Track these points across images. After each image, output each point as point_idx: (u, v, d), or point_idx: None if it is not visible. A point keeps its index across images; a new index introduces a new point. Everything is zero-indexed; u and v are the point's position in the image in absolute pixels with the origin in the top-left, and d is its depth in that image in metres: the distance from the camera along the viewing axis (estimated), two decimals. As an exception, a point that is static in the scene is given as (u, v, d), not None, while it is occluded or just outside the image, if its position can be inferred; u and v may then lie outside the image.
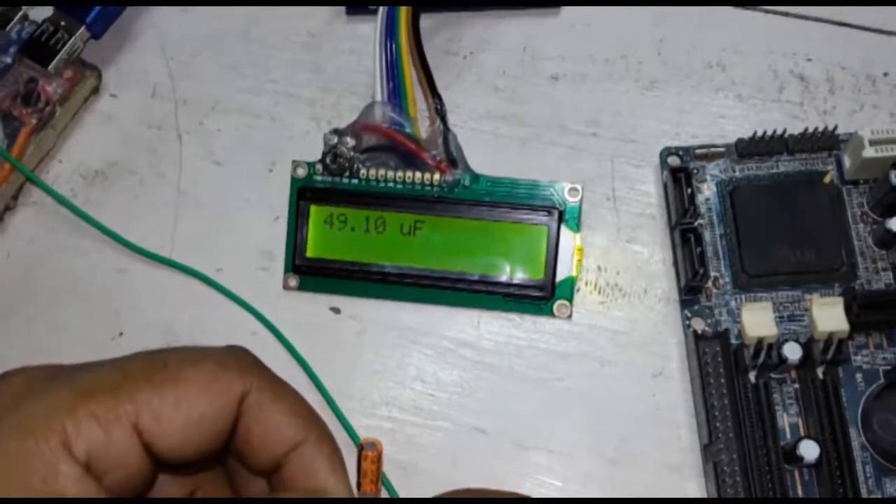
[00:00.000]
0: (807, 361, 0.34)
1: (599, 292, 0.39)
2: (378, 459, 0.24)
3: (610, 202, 0.40)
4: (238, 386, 0.23)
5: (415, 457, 0.37)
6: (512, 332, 0.38)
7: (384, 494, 0.36)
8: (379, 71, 0.39)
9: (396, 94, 0.39)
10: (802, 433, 0.34)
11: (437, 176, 0.38)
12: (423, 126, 0.39)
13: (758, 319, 0.34)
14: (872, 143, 0.36)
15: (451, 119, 0.40)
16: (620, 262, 0.39)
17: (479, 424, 0.37)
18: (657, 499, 0.35)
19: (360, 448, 0.24)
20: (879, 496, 0.34)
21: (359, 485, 0.24)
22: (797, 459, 0.33)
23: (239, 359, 0.24)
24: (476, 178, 0.39)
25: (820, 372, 0.35)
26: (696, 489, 0.35)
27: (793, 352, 0.34)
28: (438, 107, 0.39)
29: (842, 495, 0.33)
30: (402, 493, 0.36)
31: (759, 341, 0.34)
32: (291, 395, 0.24)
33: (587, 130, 0.41)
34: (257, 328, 0.39)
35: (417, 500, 0.35)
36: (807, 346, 0.34)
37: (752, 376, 0.35)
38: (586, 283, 0.39)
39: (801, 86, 0.41)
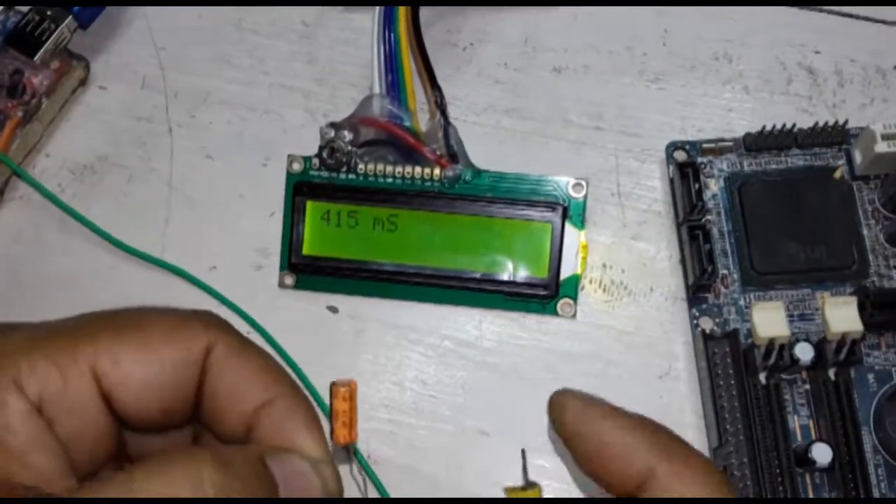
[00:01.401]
0: (819, 362, 0.33)
1: (604, 290, 0.38)
2: (351, 397, 0.22)
3: (615, 198, 0.39)
4: (202, 338, 0.22)
5: (416, 460, 0.36)
6: (515, 332, 0.37)
7: (372, 493, 0.35)
8: (377, 63, 0.38)
9: (395, 86, 0.38)
10: (814, 435, 0.34)
11: (437, 171, 0.37)
12: (422, 120, 0.38)
13: (769, 319, 0.33)
14: (885, 137, 0.35)
15: (452, 112, 0.39)
16: (626, 260, 0.38)
17: (481, 426, 0.36)
18: (660, 499, 0.34)
19: (332, 386, 0.23)
20: (892, 499, 0.33)
21: (332, 434, 0.23)
22: (809, 463, 0.32)
23: (205, 317, 0.23)
24: (477, 173, 0.38)
25: (832, 373, 0.34)
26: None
27: (805, 352, 0.33)
28: (438, 100, 0.37)
29: (854, 499, 0.32)
30: (404, 497, 0.35)
31: (771, 342, 0.33)
32: (258, 353, 0.23)
33: (590, 124, 0.40)
34: (250, 328, 0.38)
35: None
36: (819, 347, 0.33)
37: (762, 377, 0.34)
38: (591, 282, 0.38)
39: (810, 79, 0.40)
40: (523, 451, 0.25)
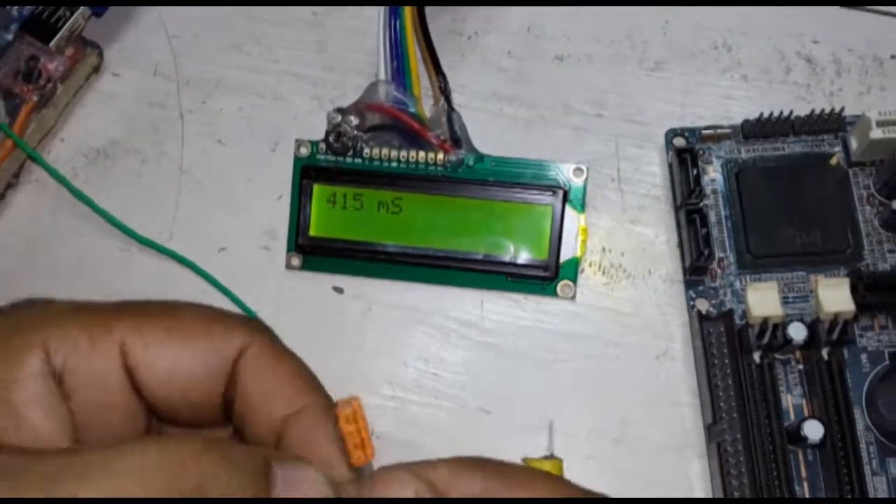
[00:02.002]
0: (812, 342, 0.34)
1: (604, 273, 0.38)
2: (355, 418, 0.21)
3: (615, 183, 0.40)
4: (237, 337, 0.22)
5: (417, 435, 0.37)
6: (515, 313, 0.38)
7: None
8: (383, 50, 0.39)
9: (400, 72, 0.39)
10: (807, 414, 0.34)
11: (440, 155, 0.38)
12: (426, 105, 0.39)
13: (763, 299, 0.34)
14: (880, 124, 0.36)
15: (456, 99, 0.40)
16: (625, 244, 0.39)
17: (482, 404, 0.37)
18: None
19: (335, 408, 0.22)
20: (883, 477, 0.34)
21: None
22: (801, 440, 0.33)
23: (244, 318, 0.23)
24: (480, 157, 0.38)
25: (825, 353, 0.34)
26: (698, 469, 0.35)
27: (798, 332, 0.34)
28: (442, 85, 0.38)
29: (845, 476, 0.33)
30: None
31: (765, 321, 0.34)
32: (294, 359, 0.23)
33: (592, 111, 0.41)
34: (258, 311, 0.39)
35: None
36: (812, 327, 0.34)
37: (756, 356, 0.35)
38: (590, 264, 0.38)
39: (808, 68, 0.41)
40: (551, 424, 0.24)
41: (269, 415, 0.22)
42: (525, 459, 0.26)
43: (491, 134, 0.40)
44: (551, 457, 0.27)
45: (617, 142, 0.40)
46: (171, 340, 0.21)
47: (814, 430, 0.33)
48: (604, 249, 0.39)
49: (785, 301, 0.36)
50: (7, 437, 0.19)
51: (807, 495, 0.34)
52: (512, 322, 0.38)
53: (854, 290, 0.34)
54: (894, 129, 0.35)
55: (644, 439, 0.36)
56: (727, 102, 0.40)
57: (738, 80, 0.41)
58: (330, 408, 0.22)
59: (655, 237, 0.39)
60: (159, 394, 0.21)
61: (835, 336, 0.34)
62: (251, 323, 0.23)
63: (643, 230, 0.39)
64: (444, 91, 0.38)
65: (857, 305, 0.34)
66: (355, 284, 0.39)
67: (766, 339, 0.34)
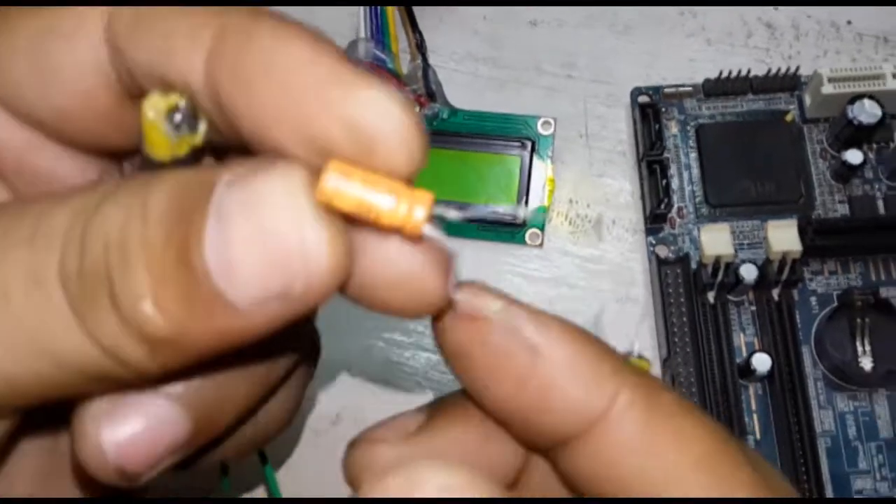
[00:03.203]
0: (762, 283, 0.36)
1: (570, 223, 0.40)
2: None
3: (583, 139, 0.42)
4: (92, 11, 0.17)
5: (393, 375, 0.38)
6: (485, 258, 0.40)
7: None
8: (363, 9, 0.41)
9: (379, 31, 0.41)
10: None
11: (416, 109, 0.40)
12: (404, 62, 0.41)
13: (715, 239, 0.36)
14: (831, 80, 0.38)
15: (433, 60, 0.42)
16: (591, 195, 0.41)
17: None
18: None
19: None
20: (830, 411, 0.36)
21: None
22: (751, 373, 0.35)
23: None
24: (454, 111, 0.40)
25: (775, 294, 0.36)
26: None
27: (749, 272, 0.36)
28: (419, 42, 0.40)
29: (793, 409, 0.35)
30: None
31: (717, 260, 0.36)
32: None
33: (563, 72, 0.43)
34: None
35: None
36: (763, 268, 0.36)
37: (710, 297, 0.37)
38: (558, 214, 0.40)
39: (768, 32, 0.43)
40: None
41: (179, 65, 0.16)
42: None
43: (466, 94, 0.42)
44: (642, 358, 0.21)
45: (586, 101, 0.42)
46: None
47: (762, 362, 0.34)
48: (571, 201, 0.41)
49: (740, 247, 0.38)
50: None
51: (756, 427, 0.35)
52: (483, 267, 0.40)
53: (803, 235, 0.36)
54: (844, 85, 0.37)
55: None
56: (691, 65, 0.42)
57: (702, 43, 0.43)
58: (256, 18, 0.16)
59: (620, 189, 0.41)
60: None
61: (784, 276, 0.36)
62: None
63: (609, 182, 0.41)
64: (420, 47, 0.40)
65: (805, 249, 0.36)
66: (334, 232, 0.41)
67: (719, 278, 0.36)
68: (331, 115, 0.15)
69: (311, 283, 0.15)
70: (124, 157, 0.20)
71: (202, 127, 0.16)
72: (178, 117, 0.16)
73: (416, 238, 0.16)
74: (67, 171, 0.19)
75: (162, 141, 0.16)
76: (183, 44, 0.16)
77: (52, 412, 0.18)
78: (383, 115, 0.15)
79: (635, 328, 0.38)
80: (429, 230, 0.16)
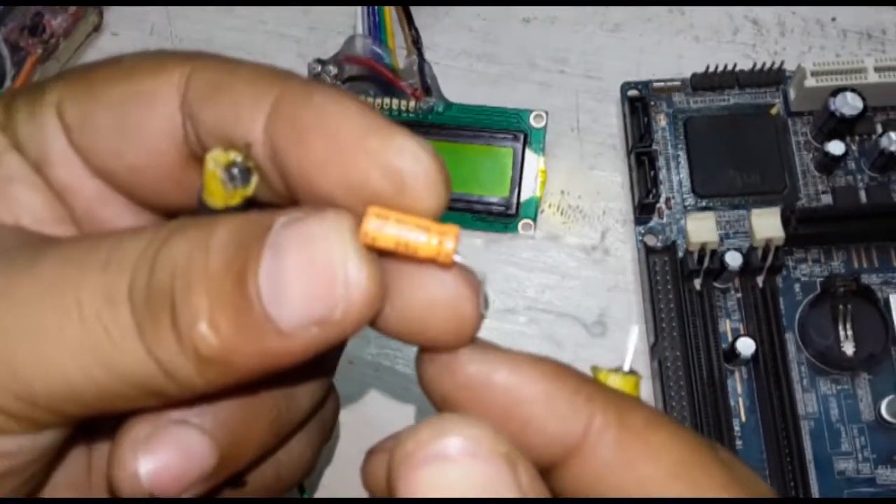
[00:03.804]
0: (747, 269, 0.37)
1: (562, 214, 0.41)
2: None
3: (574, 133, 0.43)
4: (171, 74, 0.19)
5: (390, 360, 0.39)
6: (479, 247, 0.41)
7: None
8: (361, 6, 0.42)
9: (376, 28, 0.42)
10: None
11: (412, 103, 0.41)
12: (400, 58, 0.42)
13: (700, 227, 0.37)
14: (814, 73, 0.39)
15: (429, 57, 0.43)
16: (582, 187, 0.42)
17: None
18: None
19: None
20: (813, 394, 0.37)
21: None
22: (736, 356, 0.36)
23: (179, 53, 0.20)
24: (449, 105, 0.42)
25: (760, 280, 0.37)
26: (643, 391, 0.38)
27: (734, 259, 0.37)
28: (415, 37, 0.42)
29: (777, 392, 0.36)
30: (375, 396, 0.39)
31: (702, 247, 0.37)
32: (252, 64, 0.19)
33: (555, 68, 0.44)
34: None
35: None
36: (747, 256, 0.37)
37: (697, 284, 0.38)
38: (550, 205, 0.41)
39: (754, 29, 0.44)
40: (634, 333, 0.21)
41: (244, 126, 0.18)
42: (594, 369, 0.22)
43: (461, 89, 0.43)
44: (633, 373, 0.22)
45: (577, 96, 0.43)
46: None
47: (746, 346, 0.36)
48: (562, 192, 0.42)
49: (726, 237, 0.39)
50: None
51: (741, 410, 0.36)
52: (477, 256, 0.41)
53: (787, 223, 0.37)
54: (827, 79, 0.39)
55: (594, 363, 0.39)
56: (679, 61, 0.44)
57: (690, 40, 0.44)
58: (310, 84, 0.18)
59: (610, 181, 0.42)
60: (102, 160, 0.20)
61: (767, 263, 0.37)
62: (191, 53, 0.20)
63: (599, 174, 0.42)
64: (416, 43, 0.42)
65: (789, 237, 0.37)
66: (332, 222, 0.42)
67: (705, 265, 0.37)
68: (370, 160, 0.17)
69: (350, 310, 0.17)
70: (174, 215, 0.21)
71: (254, 180, 0.18)
72: (234, 171, 0.18)
73: (448, 265, 0.17)
74: (126, 224, 0.21)
75: (219, 191, 0.18)
76: (248, 107, 0.18)
77: (90, 430, 0.20)
78: (414, 160, 0.17)
79: (625, 315, 0.39)
80: (458, 258, 0.17)
